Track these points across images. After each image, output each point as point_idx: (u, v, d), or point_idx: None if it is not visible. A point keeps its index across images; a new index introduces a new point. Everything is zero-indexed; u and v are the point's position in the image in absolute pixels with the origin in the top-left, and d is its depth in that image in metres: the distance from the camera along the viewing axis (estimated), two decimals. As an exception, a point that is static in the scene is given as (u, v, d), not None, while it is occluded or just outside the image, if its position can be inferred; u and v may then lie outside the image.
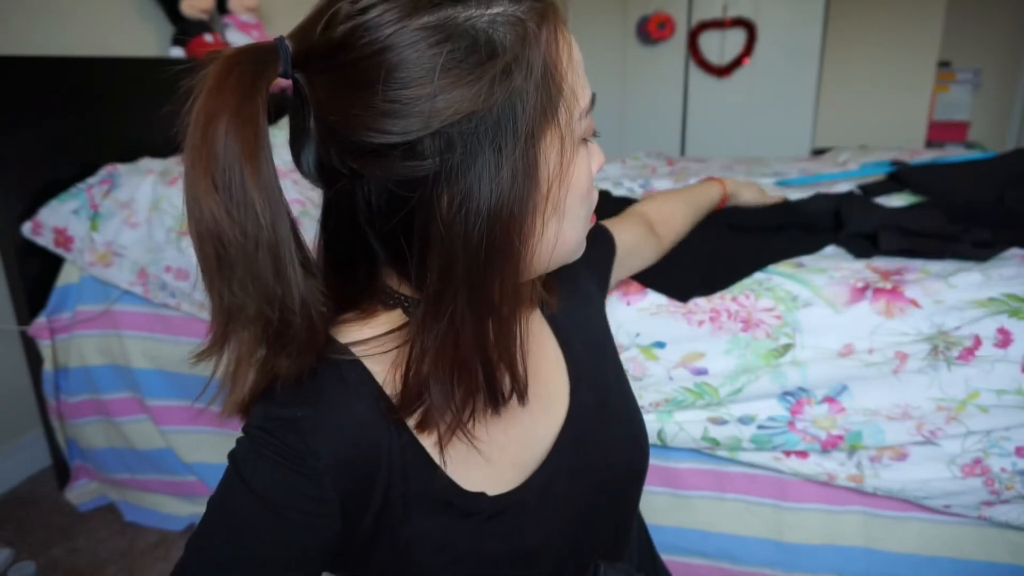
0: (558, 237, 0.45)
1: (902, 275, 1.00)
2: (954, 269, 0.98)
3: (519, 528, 0.52)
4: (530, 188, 0.41)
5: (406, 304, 0.49)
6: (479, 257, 0.41)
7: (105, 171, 1.59)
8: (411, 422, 0.48)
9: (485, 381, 0.46)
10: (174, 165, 1.60)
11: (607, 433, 0.59)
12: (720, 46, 3.27)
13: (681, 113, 3.46)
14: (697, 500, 1.08)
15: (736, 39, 3.23)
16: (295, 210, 1.23)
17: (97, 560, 1.48)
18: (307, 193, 1.52)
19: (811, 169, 1.81)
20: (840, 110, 3.57)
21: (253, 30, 2.23)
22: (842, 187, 1.50)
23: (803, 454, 0.99)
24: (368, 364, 0.48)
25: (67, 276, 1.54)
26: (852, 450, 0.97)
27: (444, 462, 0.49)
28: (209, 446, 1.52)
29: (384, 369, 0.48)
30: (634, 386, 0.73)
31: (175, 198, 1.46)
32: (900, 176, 1.48)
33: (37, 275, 1.54)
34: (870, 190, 1.43)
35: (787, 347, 0.98)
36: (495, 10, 0.40)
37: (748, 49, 3.20)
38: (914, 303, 0.94)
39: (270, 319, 0.40)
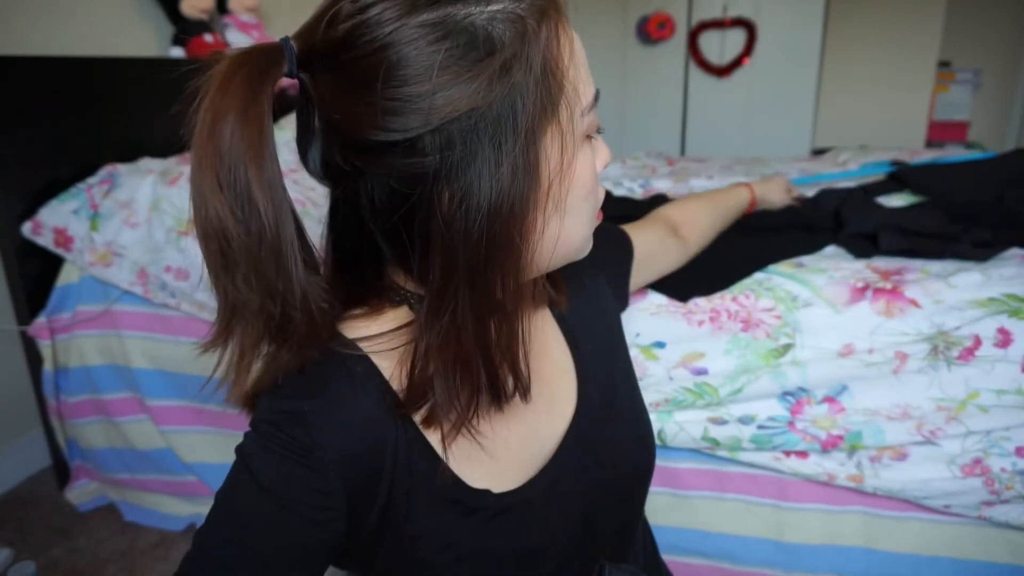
0: (560, 234, 0.45)
1: (902, 275, 1.00)
2: (954, 269, 0.98)
3: (524, 526, 0.52)
4: (531, 185, 0.41)
5: (412, 301, 0.49)
6: (480, 253, 0.41)
7: (105, 171, 1.59)
8: (417, 418, 0.48)
9: (487, 378, 0.46)
10: (174, 165, 1.60)
11: (613, 433, 0.59)
12: (720, 46, 3.27)
13: (681, 113, 3.46)
14: (697, 500, 1.08)
15: (736, 39, 3.23)
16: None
17: (97, 560, 1.48)
18: (307, 193, 1.52)
19: (811, 169, 1.81)
20: (840, 110, 3.57)
21: (253, 30, 2.23)
22: (844, 185, 1.50)
23: (803, 454, 0.99)
24: (375, 360, 0.48)
25: (67, 276, 1.54)
26: (852, 450, 0.97)
27: (449, 459, 0.49)
28: (209, 446, 1.52)
29: (391, 365, 0.48)
30: (634, 386, 0.73)
31: (175, 198, 1.46)
32: (900, 176, 1.48)
33: (37, 275, 1.54)
34: (870, 190, 1.43)
35: (787, 347, 0.98)
36: (494, 7, 0.40)
37: (748, 49, 3.20)
38: (914, 303, 0.94)
39: (272, 314, 0.41)
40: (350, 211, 0.46)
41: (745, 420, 0.99)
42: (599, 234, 0.62)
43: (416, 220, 0.42)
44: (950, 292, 0.94)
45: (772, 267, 1.06)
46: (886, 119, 3.48)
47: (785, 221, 1.22)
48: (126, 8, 2.00)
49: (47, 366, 1.56)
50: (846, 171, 1.67)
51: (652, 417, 1.02)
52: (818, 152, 2.91)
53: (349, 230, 0.48)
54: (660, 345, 1.02)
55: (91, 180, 1.56)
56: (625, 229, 0.78)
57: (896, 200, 1.36)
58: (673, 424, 1.01)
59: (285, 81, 0.43)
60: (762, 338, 0.99)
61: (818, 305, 0.98)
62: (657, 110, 3.49)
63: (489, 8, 0.40)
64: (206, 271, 0.41)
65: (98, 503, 1.66)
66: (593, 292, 0.66)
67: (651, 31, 3.32)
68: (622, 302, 0.74)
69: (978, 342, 0.90)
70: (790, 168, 1.85)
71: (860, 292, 0.97)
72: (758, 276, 1.04)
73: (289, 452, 0.44)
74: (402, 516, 0.48)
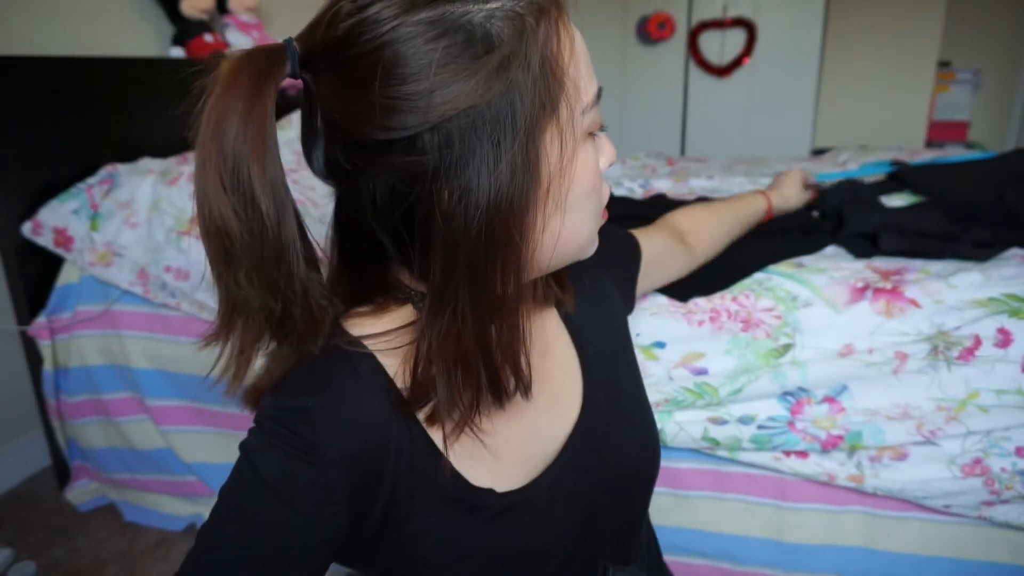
0: (561, 232, 0.45)
1: (902, 275, 1.00)
2: (954, 269, 0.98)
3: (527, 526, 0.52)
4: (530, 182, 0.41)
5: (416, 299, 0.50)
6: (479, 251, 0.41)
7: (105, 171, 1.59)
8: (421, 416, 0.48)
9: (488, 377, 0.46)
10: (174, 165, 1.60)
11: (618, 435, 0.59)
12: (720, 46, 3.27)
13: (681, 113, 3.46)
14: (697, 500, 1.08)
15: (736, 39, 3.23)
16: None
17: (97, 560, 1.48)
18: (307, 193, 1.52)
19: (811, 169, 1.81)
20: (840, 110, 3.57)
21: (253, 30, 2.23)
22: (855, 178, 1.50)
23: (803, 454, 0.99)
24: (380, 358, 0.48)
25: (67, 276, 1.54)
26: (852, 450, 0.97)
27: (452, 457, 0.49)
28: (209, 446, 1.52)
29: (396, 363, 0.48)
30: (634, 386, 0.73)
31: (175, 198, 1.46)
32: (900, 176, 1.48)
33: (37, 275, 1.54)
34: (873, 189, 1.43)
35: (787, 347, 0.98)
36: (493, 5, 0.40)
37: (748, 49, 3.20)
38: (914, 303, 0.94)
39: (273, 310, 0.42)
40: (353, 210, 0.46)
41: (745, 420, 0.99)
42: (608, 236, 0.62)
43: (416, 218, 0.42)
44: (950, 292, 0.94)
45: (772, 267, 1.06)
46: (886, 119, 3.48)
47: (781, 225, 1.22)
48: (126, 8, 2.00)
49: (47, 366, 1.56)
50: (846, 171, 1.66)
51: (653, 417, 1.03)
52: (818, 152, 2.91)
53: (353, 229, 0.48)
54: (660, 345, 1.02)
55: (91, 180, 1.56)
56: (633, 233, 0.78)
57: (896, 200, 1.36)
58: (673, 424, 1.01)
59: (289, 81, 0.43)
60: (762, 338, 0.99)
61: (818, 305, 0.98)
62: (657, 110, 3.49)
63: (488, 6, 0.40)
64: (209, 267, 0.41)
65: (98, 503, 1.66)
66: (600, 293, 0.66)
67: (651, 31, 3.32)
68: (629, 305, 0.74)
69: (978, 342, 0.90)
70: (790, 168, 1.84)
71: (860, 292, 0.97)
72: (758, 276, 1.04)
73: (292, 449, 0.44)
74: (404, 514, 0.48)
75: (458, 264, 0.41)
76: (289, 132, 1.90)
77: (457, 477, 0.49)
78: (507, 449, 0.52)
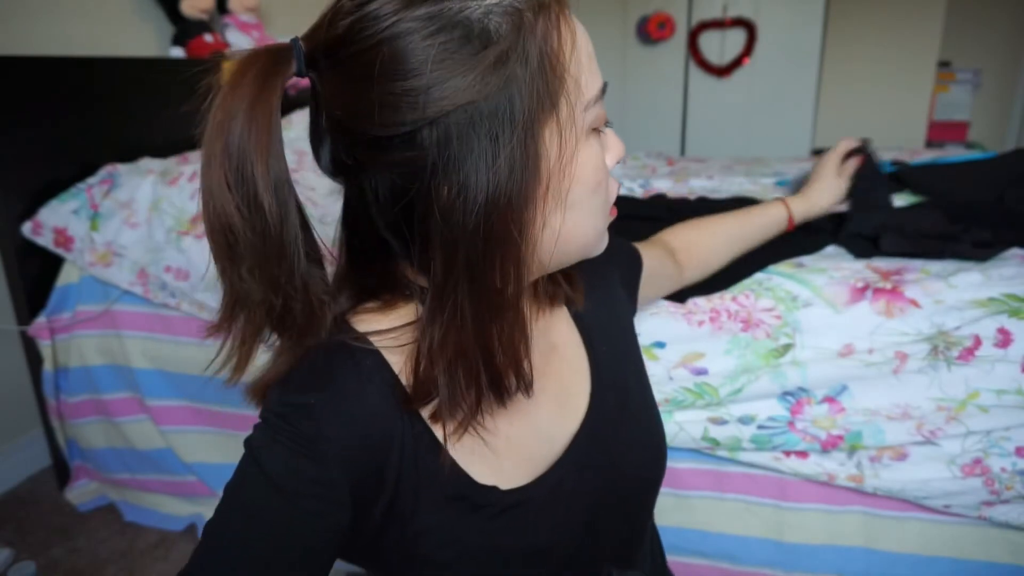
0: (562, 229, 0.45)
1: (902, 275, 1.00)
2: (954, 269, 0.98)
3: (530, 525, 0.52)
4: (529, 178, 0.41)
5: (420, 295, 0.50)
6: (478, 247, 0.41)
7: (105, 171, 1.59)
8: (426, 413, 0.48)
9: (488, 376, 0.46)
10: (174, 165, 1.60)
11: (625, 435, 0.59)
12: (720, 46, 3.27)
13: (681, 113, 3.46)
14: (697, 500, 1.08)
15: (736, 39, 3.23)
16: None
17: (97, 560, 1.48)
18: (307, 193, 1.52)
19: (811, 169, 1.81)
20: (840, 110, 3.57)
21: (253, 30, 2.23)
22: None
23: (803, 454, 0.99)
24: (386, 354, 0.48)
25: (67, 276, 1.54)
26: (852, 450, 0.97)
27: (456, 455, 0.49)
28: (209, 446, 1.51)
29: (401, 360, 0.48)
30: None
31: (175, 198, 1.46)
32: (900, 176, 1.48)
33: (37, 275, 1.54)
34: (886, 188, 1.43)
35: (787, 347, 0.98)
36: (491, 0, 0.40)
37: (748, 49, 3.20)
38: (914, 303, 0.94)
39: (273, 304, 0.42)
40: (358, 207, 0.47)
41: (745, 420, 0.99)
42: (614, 245, 0.63)
43: (416, 213, 0.42)
44: (950, 292, 0.94)
45: (772, 267, 1.05)
46: (886, 119, 3.48)
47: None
48: (126, 8, 2.00)
49: (47, 366, 1.56)
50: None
51: (652, 417, 1.03)
52: (818, 152, 2.92)
53: (359, 226, 0.49)
54: (660, 345, 1.02)
55: (91, 180, 1.56)
56: (634, 245, 0.78)
57: (896, 200, 1.36)
58: (673, 424, 1.01)
59: (292, 80, 0.44)
60: (762, 338, 0.99)
61: (818, 305, 0.98)
62: (657, 110, 3.49)
63: (486, 2, 0.40)
64: (212, 262, 0.42)
65: (98, 503, 1.66)
66: (610, 293, 0.66)
67: (651, 31, 3.32)
68: (631, 307, 0.74)
69: (978, 342, 0.90)
70: (790, 168, 1.84)
71: (860, 292, 0.97)
72: (758, 276, 1.04)
73: (295, 444, 0.44)
74: (408, 511, 0.48)
75: (457, 260, 0.41)
76: (290, 132, 1.91)
77: (461, 474, 0.49)
78: (511, 447, 0.52)
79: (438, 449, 0.48)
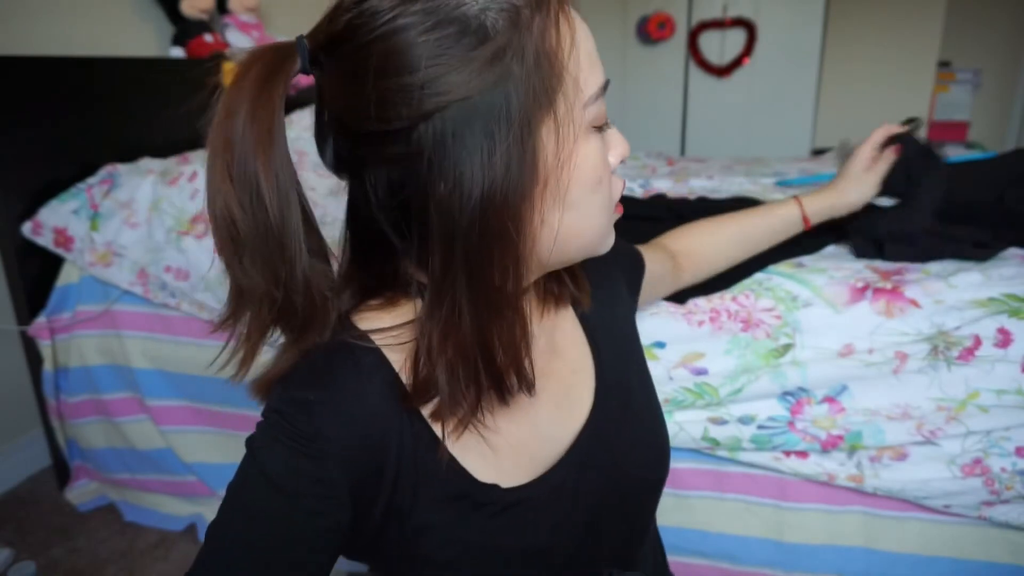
0: (561, 227, 0.45)
1: (902, 275, 1.00)
2: (954, 269, 0.98)
3: (531, 524, 0.52)
4: (525, 175, 0.41)
5: (419, 292, 0.50)
6: (474, 243, 0.41)
7: (105, 171, 1.59)
8: (426, 412, 0.48)
9: (489, 374, 0.46)
10: (174, 165, 1.60)
11: (629, 435, 0.58)
12: (720, 46, 3.27)
13: (681, 113, 3.47)
14: (697, 500, 1.08)
15: (736, 39, 3.23)
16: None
17: (97, 560, 1.48)
18: (308, 194, 1.52)
19: (811, 169, 1.81)
20: (840, 110, 3.57)
21: (253, 30, 2.23)
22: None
23: (803, 454, 1.00)
24: (387, 352, 0.48)
25: (67, 276, 1.54)
26: (852, 450, 0.97)
27: (456, 452, 0.49)
28: (209, 446, 1.51)
29: (402, 358, 0.49)
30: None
31: (175, 198, 1.46)
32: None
33: (37, 275, 1.54)
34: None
35: (787, 347, 0.98)
36: None
37: (748, 49, 3.20)
38: (914, 303, 0.94)
39: (275, 297, 0.43)
40: (360, 203, 0.47)
41: (745, 420, 0.99)
42: (617, 246, 0.62)
43: (413, 209, 0.42)
44: (950, 292, 0.94)
45: (772, 267, 1.05)
46: (886, 119, 3.46)
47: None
48: (126, 8, 2.00)
49: (47, 366, 1.56)
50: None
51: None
52: (818, 152, 2.92)
53: (361, 223, 0.49)
54: (660, 345, 1.02)
55: (91, 180, 1.56)
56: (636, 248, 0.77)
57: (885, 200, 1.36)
58: (673, 424, 1.01)
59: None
60: (762, 338, 0.99)
61: (818, 305, 0.98)
62: (657, 110, 3.49)
63: None
64: (217, 257, 0.43)
65: (98, 503, 1.66)
66: (615, 294, 0.66)
67: (651, 31, 3.32)
68: (633, 308, 0.74)
69: (978, 342, 0.90)
70: (790, 168, 1.84)
71: (860, 292, 0.97)
72: (758, 276, 1.04)
73: (294, 443, 0.44)
74: (407, 510, 0.48)
75: (455, 256, 0.41)
76: (290, 132, 1.89)
77: (461, 472, 0.49)
78: (512, 446, 0.52)
79: (438, 448, 0.48)
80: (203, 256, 1.40)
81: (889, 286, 0.97)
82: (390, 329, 0.48)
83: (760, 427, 0.99)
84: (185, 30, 2.03)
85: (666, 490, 1.08)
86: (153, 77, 1.84)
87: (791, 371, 0.97)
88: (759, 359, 0.98)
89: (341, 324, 0.49)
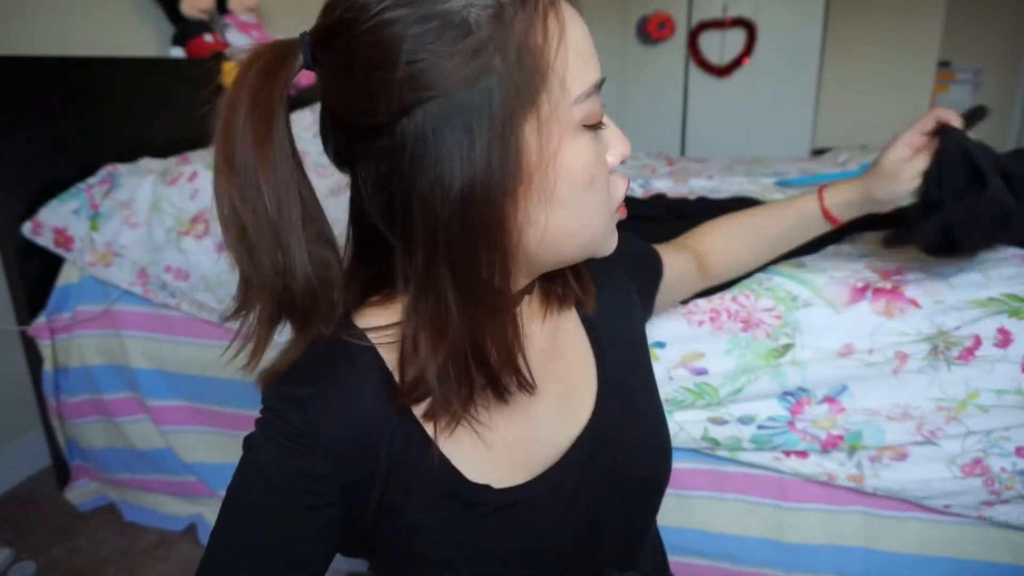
0: (549, 225, 0.44)
1: (902, 275, 1.00)
2: (954, 269, 0.99)
3: (529, 524, 0.52)
4: (507, 171, 0.41)
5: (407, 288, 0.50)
6: (456, 236, 0.41)
7: (105, 171, 1.59)
8: (418, 411, 0.48)
9: (480, 371, 0.46)
10: (174, 165, 1.60)
11: (630, 436, 0.58)
12: (720, 46, 3.27)
13: (681, 113, 3.47)
14: (697, 500, 1.08)
15: (736, 39, 3.23)
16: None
17: (97, 560, 1.48)
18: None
19: (811, 169, 1.81)
20: (840, 110, 3.57)
21: (253, 30, 2.23)
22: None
23: (803, 454, 1.00)
24: (381, 351, 0.49)
25: (67, 276, 1.54)
26: (852, 450, 0.97)
27: (448, 452, 0.49)
28: (209, 446, 1.51)
29: (395, 356, 0.49)
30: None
31: (175, 198, 1.46)
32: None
33: (37, 275, 1.54)
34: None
35: (787, 347, 0.98)
36: None
37: (748, 49, 3.20)
38: (914, 303, 0.94)
39: (276, 288, 0.44)
40: (357, 198, 0.47)
41: (745, 420, 0.99)
42: (633, 247, 0.61)
43: (398, 203, 0.43)
44: (950, 292, 0.94)
45: (772, 267, 1.05)
46: (886, 119, 3.49)
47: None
48: (126, 8, 2.00)
49: (47, 366, 1.56)
50: (846, 171, 1.67)
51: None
52: (818, 152, 2.91)
53: (358, 218, 0.49)
54: (660, 345, 1.02)
55: (91, 180, 1.57)
56: (656, 248, 0.76)
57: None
58: (673, 424, 1.01)
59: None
60: (762, 338, 0.99)
61: (818, 305, 0.98)
62: (657, 110, 3.49)
63: None
64: (220, 252, 0.44)
65: (98, 503, 1.66)
66: (622, 297, 0.65)
67: (651, 31, 3.32)
68: (643, 314, 0.73)
69: (978, 342, 0.90)
70: (790, 168, 1.85)
71: (860, 292, 0.97)
72: (758, 276, 1.04)
73: (288, 440, 0.45)
74: (398, 507, 0.48)
75: (438, 250, 0.41)
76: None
77: (452, 471, 0.49)
78: (507, 446, 0.52)
79: (430, 447, 0.49)
80: (203, 256, 1.40)
81: (889, 286, 0.97)
82: (385, 328, 0.48)
83: (760, 427, 0.99)
84: (185, 30, 2.03)
85: (666, 490, 1.08)
86: (153, 77, 1.84)
87: (791, 371, 0.97)
88: (759, 359, 0.98)
89: (342, 321, 0.49)
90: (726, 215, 0.87)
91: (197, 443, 1.52)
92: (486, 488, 0.50)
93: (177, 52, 2.04)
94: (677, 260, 0.78)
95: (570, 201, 0.44)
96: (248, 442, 0.47)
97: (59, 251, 1.51)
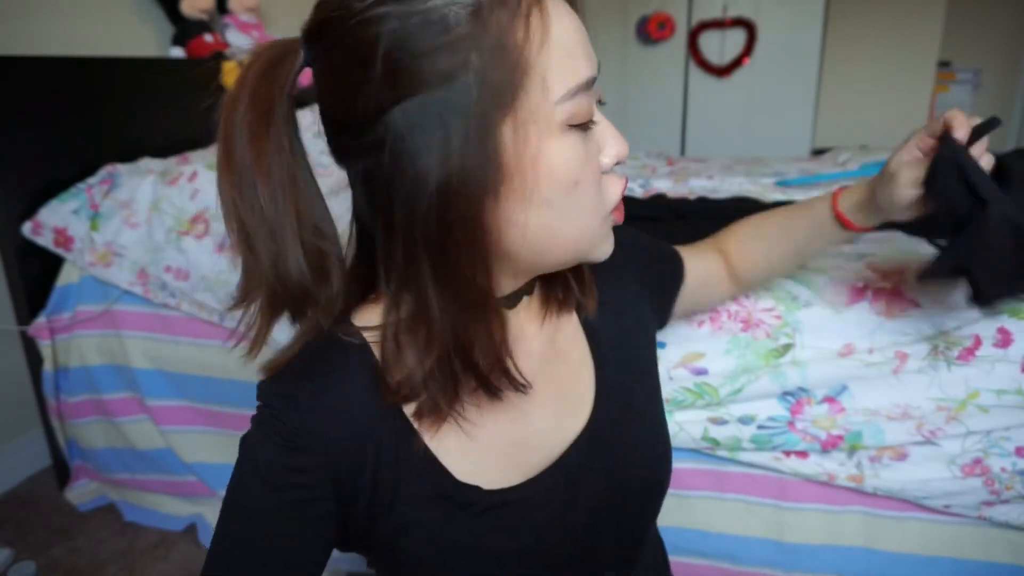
0: (530, 226, 0.43)
1: (902, 275, 1.00)
2: (954, 269, 0.99)
3: (525, 525, 0.51)
4: (485, 169, 0.40)
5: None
6: (433, 231, 0.41)
7: (105, 171, 1.59)
8: (408, 409, 0.49)
9: (468, 370, 0.46)
10: (174, 165, 1.60)
11: (630, 437, 0.58)
12: (720, 46, 3.27)
13: (681, 113, 3.46)
14: (697, 500, 1.08)
15: (736, 39, 3.23)
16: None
17: (97, 560, 1.48)
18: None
19: (811, 169, 1.81)
20: (840, 110, 3.57)
21: (253, 30, 2.23)
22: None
23: (803, 454, 1.00)
24: (375, 349, 0.49)
25: (67, 276, 1.54)
26: (852, 450, 0.97)
27: (438, 451, 0.49)
28: (209, 446, 1.51)
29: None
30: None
31: (175, 198, 1.46)
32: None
33: (37, 275, 1.54)
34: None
35: (787, 347, 0.98)
36: None
37: (748, 49, 3.20)
38: (914, 303, 0.94)
39: (270, 279, 0.45)
40: (353, 195, 0.48)
41: (745, 420, 0.99)
42: (649, 251, 0.61)
43: (379, 199, 0.43)
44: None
45: (772, 267, 1.05)
46: (886, 119, 3.49)
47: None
48: (126, 8, 2.00)
49: (47, 366, 1.56)
50: (846, 171, 1.67)
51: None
52: (818, 152, 2.92)
53: (355, 215, 0.50)
54: (660, 345, 1.02)
55: (91, 180, 1.57)
56: (679, 251, 0.74)
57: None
58: (673, 424, 1.01)
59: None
60: (762, 338, 0.99)
61: (818, 305, 0.98)
62: (657, 110, 3.49)
63: None
64: (219, 251, 0.45)
65: (98, 503, 1.66)
66: (628, 302, 0.64)
67: (651, 31, 3.32)
68: (662, 320, 0.72)
69: (978, 342, 0.90)
70: (790, 168, 1.85)
71: (860, 292, 0.97)
72: (758, 276, 1.04)
73: (281, 438, 0.46)
74: (386, 505, 0.49)
75: (417, 244, 0.42)
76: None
77: (442, 472, 0.49)
78: (500, 447, 0.52)
79: (419, 446, 0.49)
80: (203, 256, 1.40)
81: (889, 286, 0.97)
82: (377, 326, 0.49)
83: (760, 427, 0.99)
84: (185, 30, 2.03)
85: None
86: (153, 77, 1.84)
87: (791, 371, 0.97)
88: (759, 359, 0.98)
89: (341, 318, 0.50)
90: (753, 215, 0.82)
91: (197, 443, 1.52)
92: (475, 489, 0.50)
93: (177, 52, 2.04)
94: (703, 262, 0.76)
95: (554, 203, 0.43)
96: (244, 441, 0.48)
97: (59, 251, 1.51)
